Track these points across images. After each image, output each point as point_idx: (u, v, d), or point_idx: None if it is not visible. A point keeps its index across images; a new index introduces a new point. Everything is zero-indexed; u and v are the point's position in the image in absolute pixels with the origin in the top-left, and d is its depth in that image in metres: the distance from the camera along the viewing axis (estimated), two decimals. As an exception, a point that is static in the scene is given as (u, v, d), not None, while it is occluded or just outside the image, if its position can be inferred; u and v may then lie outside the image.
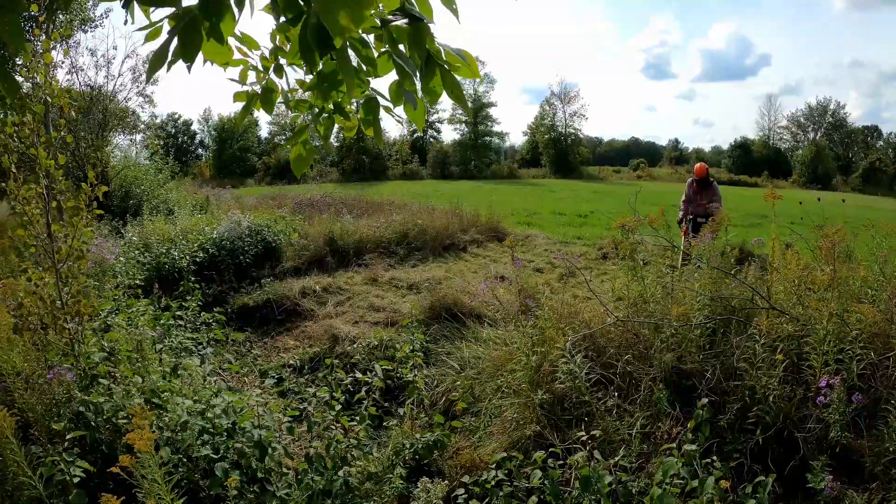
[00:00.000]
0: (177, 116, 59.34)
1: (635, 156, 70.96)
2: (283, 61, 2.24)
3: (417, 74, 1.75)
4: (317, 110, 2.37)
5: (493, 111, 55.90)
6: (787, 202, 4.79)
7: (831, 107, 60.26)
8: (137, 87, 17.02)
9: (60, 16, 12.50)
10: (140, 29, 1.70)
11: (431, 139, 58.45)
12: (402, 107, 1.92)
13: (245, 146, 53.59)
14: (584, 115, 59.48)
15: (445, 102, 55.88)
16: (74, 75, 15.57)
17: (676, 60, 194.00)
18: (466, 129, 55.97)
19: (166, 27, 1.66)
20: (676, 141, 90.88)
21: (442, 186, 34.93)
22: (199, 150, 61.93)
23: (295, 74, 2.35)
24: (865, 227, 4.64)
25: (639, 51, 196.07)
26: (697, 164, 9.65)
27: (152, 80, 17.09)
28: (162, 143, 19.34)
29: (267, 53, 2.23)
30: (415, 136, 57.80)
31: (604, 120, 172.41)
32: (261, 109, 2.38)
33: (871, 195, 41.12)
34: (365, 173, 45.17)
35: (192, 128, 61.44)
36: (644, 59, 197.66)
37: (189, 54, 1.58)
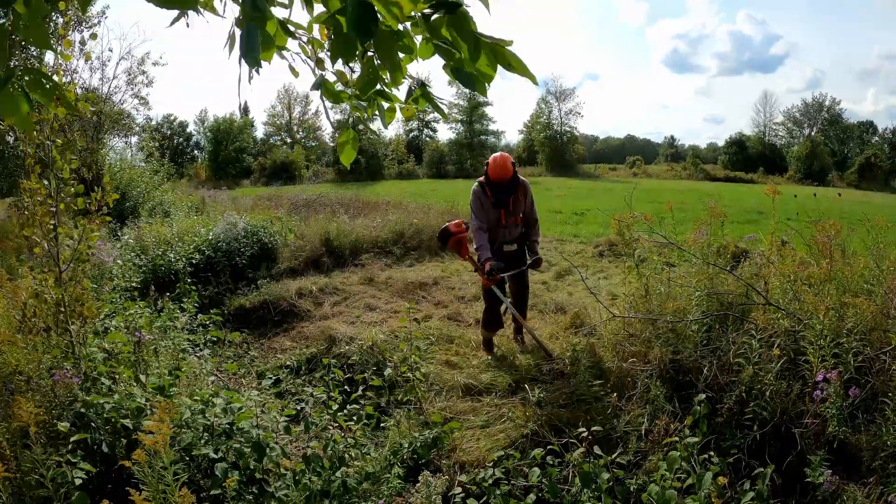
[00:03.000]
0: (172, 118, 59.36)
1: (631, 153, 71.08)
2: (321, 54, 2.23)
3: (464, 59, 1.77)
4: (363, 101, 2.35)
5: (488, 110, 56.03)
6: (783, 198, 4.80)
7: (827, 102, 60.50)
8: (132, 89, 17.01)
9: (60, 18, 12.47)
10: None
11: (427, 138, 58.52)
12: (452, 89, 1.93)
13: (240, 147, 53.53)
14: (579, 113, 59.65)
15: (445, 99, 56.14)
16: (70, 76, 15.52)
17: (702, 52, 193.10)
18: (462, 128, 56.07)
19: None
20: (672, 138, 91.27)
21: (438, 185, 34.93)
22: (195, 151, 61.92)
23: (332, 67, 2.32)
24: (862, 221, 4.66)
25: (668, 38, 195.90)
26: (498, 156, 5.79)
27: (148, 81, 17.12)
28: (157, 144, 19.28)
29: (306, 44, 2.22)
30: (411, 135, 57.83)
31: (613, 118, 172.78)
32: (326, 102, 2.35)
33: (866, 190, 41.24)
34: (361, 173, 45.12)
35: (188, 129, 61.46)
36: (673, 46, 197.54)
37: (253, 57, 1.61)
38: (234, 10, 1.75)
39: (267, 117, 61.37)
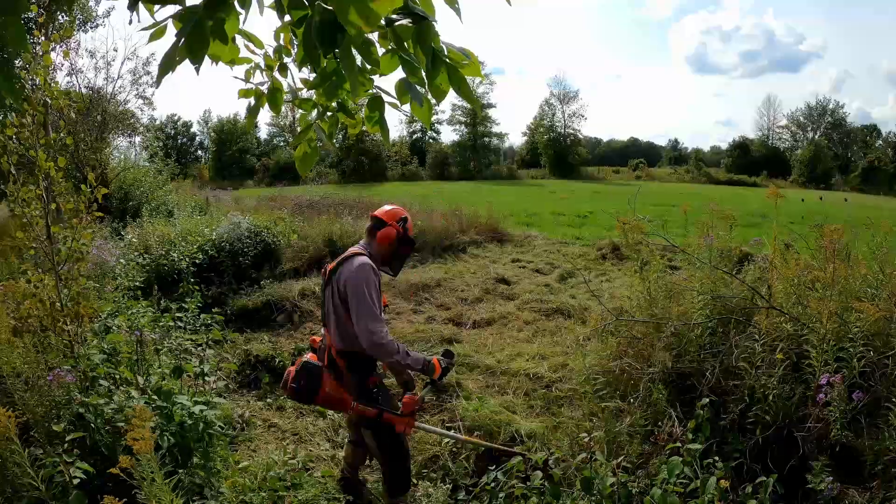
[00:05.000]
0: (176, 118, 59.49)
1: (634, 156, 70.96)
2: (287, 60, 2.24)
3: (423, 74, 1.74)
4: (321, 109, 2.36)
5: (492, 112, 55.96)
6: (787, 201, 4.79)
7: (830, 106, 60.47)
8: (137, 88, 17.06)
9: (61, 17, 12.52)
10: (144, 28, 1.69)
11: (431, 140, 58.55)
12: (408, 105, 1.90)
13: (244, 147, 53.67)
14: (583, 116, 59.66)
15: (445, 103, 56.07)
16: (74, 77, 15.59)
17: (727, 52, 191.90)
18: (466, 130, 56.09)
19: (171, 28, 1.66)
20: (676, 141, 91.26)
21: (441, 187, 34.94)
22: (199, 151, 62.04)
23: (299, 73, 2.35)
24: (867, 225, 4.65)
25: (693, 36, 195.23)
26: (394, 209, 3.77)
27: (152, 82, 17.14)
28: (161, 144, 19.31)
29: (271, 52, 2.23)
30: (414, 136, 57.87)
31: (625, 119, 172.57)
32: (266, 109, 2.37)
33: (870, 194, 41.16)
34: (364, 174, 45.17)
35: (192, 129, 61.58)
36: (697, 45, 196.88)
37: (196, 55, 1.57)
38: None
39: (270, 118, 61.49)
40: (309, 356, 3.58)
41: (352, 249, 3.57)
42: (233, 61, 2.04)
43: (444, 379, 3.76)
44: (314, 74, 1.97)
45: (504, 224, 13.81)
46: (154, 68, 16.63)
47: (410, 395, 3.56)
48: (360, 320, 3.24)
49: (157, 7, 1.64)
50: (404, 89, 1.83)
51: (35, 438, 3.23)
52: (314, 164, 2.44)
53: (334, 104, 2.27)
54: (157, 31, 1.71)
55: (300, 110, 2.43)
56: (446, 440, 4.36)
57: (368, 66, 1.77)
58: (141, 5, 1.62)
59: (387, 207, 3.73)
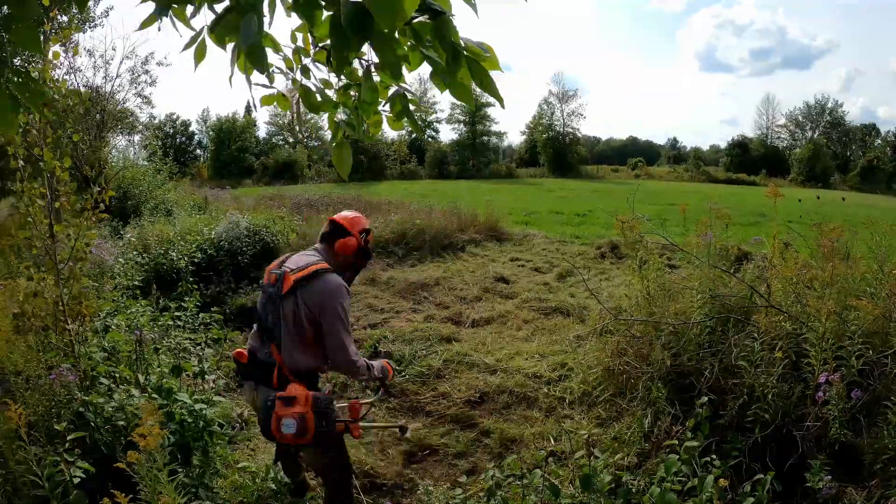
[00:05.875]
0: (175, 117, 59.31)
1: (633, 154, 70.83)
2: (306, 61, 2.24)
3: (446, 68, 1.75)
4: (347, 111, 2.36)
5: (490, 111, 55.84)
6: (786, 200, 4.78)
7: (829, 105, 60.49)
8: (135, 87, 17.06)
9: (61, 16, 12.48)
10: (186, 48, 1.71)
11: (429, 139, 58.46)
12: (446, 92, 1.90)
13: (243, 146, 53.49)
14: (581, 115, 59.62)
15: (444, 102, 56.08)
16: (73, 75, 15.58)
17: (734, 50, 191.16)
18: (465, 129, 56.05)
19: (209, 42, 1.67)
20: (675, 140, 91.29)
21: (440, 186, 34.94)
22: (198, 150, 61.87)
23: (319, 73, 2.34)
24: (865, 225, 4.65)
25: (700, 32, 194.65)
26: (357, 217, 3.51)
27: (151, 80, 17.17)
28: (160, 143, 19.30)
29: (290, 54, 2.23)
30: (413, 135, 57.80)
31: (627, 117, 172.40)
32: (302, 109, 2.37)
33: (869, 193, 41.19)
34: (363, 173, 45.10)
35: (191, 128, 61.41)
36: (705, 42, 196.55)
37: (261, 62, 1.60)
38: (206, 19, 1.75)
39: (269, 117, 61.36)
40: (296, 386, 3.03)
41: (314, 264, 3.24)
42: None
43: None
44: (333, 75, 1.98)
45: (503, 223, 13.82)
46: (152, 67, 16.62)
47: (354, 400, 3.34)
48: (339, 343, 3.09)
49: (188, 10, 1.65)
50: (397, 104, 1.85)
51: (36, 437, 3.23)
52: (351, 164, 2.40)
53: (353, 101, 2.28)
54: (199, 53, 1.72)
55: (322, 111, 2.41)
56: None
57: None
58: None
59: (349, 215, 3.47)
